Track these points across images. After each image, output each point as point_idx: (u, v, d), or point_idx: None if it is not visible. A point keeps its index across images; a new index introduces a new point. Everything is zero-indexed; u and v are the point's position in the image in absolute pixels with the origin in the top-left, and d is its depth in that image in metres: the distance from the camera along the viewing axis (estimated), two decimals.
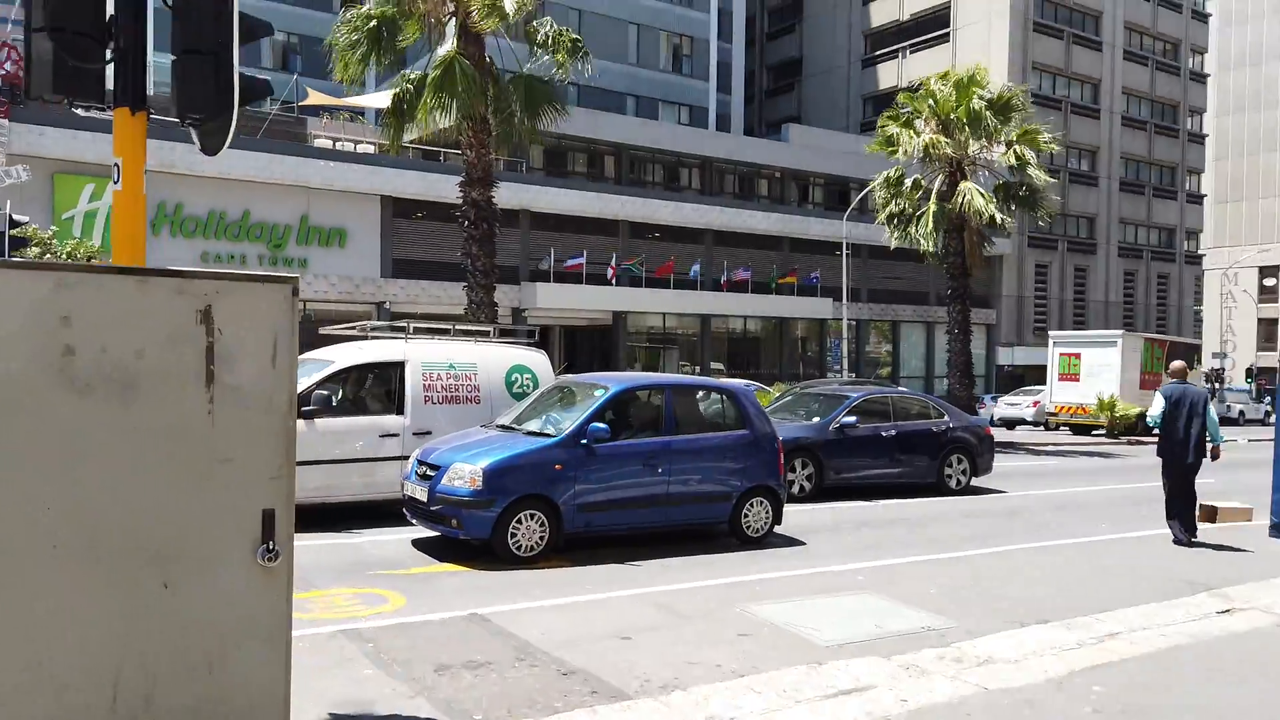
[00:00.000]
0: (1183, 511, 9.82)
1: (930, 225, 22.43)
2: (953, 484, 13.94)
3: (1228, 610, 7.23)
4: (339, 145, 30.73)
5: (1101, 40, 49.08)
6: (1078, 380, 28.08)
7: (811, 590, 7.36)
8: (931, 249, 23.21)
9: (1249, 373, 55.91)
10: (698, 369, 35.82)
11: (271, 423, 3.19)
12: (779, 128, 45.55)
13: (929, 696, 5.10)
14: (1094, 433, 27.89)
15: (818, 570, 8.14)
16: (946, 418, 14.31)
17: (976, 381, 26.01)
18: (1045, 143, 22.80)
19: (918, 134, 22.44)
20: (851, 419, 13.21)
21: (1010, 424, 33.11)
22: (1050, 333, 33.51)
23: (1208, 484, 17.06)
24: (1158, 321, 52.20)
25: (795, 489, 12.53)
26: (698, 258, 34.77)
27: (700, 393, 10.33)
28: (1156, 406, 9.72)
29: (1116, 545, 9.94)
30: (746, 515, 9.33)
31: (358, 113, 33.08)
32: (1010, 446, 23.80)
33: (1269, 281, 61.92)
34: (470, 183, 16.12)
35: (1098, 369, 28.05)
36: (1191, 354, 32.49)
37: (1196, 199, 55.24)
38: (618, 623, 6.32)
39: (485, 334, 12.16)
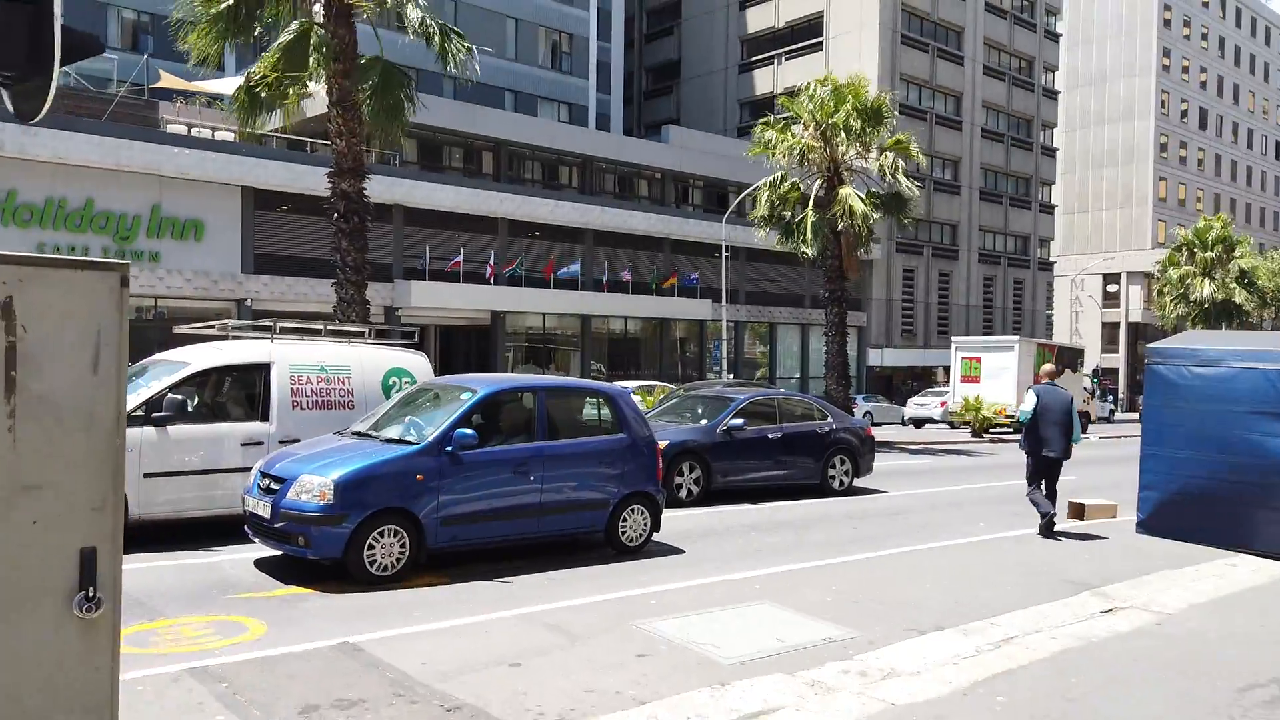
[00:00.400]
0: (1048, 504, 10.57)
1: (809, 231, 22.72)
2: (836, 485, 14.02)
3: (1110, 609, 7.35)
4: (195, 132, 28.82)
5: (963, 55, 51.33)
6: (978, 382, 30.03)
7: (708, 601, 7.06)
8: (811, 253, 23.57)
9: (1094, 373, 59.69)
10: (600, 371, 35.41)
11: (93, 442, 2.60)
12: (658, 129, 45.61)
13: (838, 717, 4.86)
14: (992, 429, 29.83)
15: (713, 580, 7.86)
16: (830, 419, 14.38)
17: (851, 383, 26.59)
18: (914, 151, 23.45)
19: (795, 138, 22.71)
20: (739, 421, 13.08)
21: (919, 423, 34.97)
22: (953, 338, 35.38)
23: (1068, 480, 17.85)
24: (1014, 324, 54.94)
25: (683, 493, 12.33)
26: (578, 257, 34.37)
27: (575, 395, 9.83)
28: (1028, 404, 10.37)
29: (996, 545, 10.09)
30: (624, 523, 8.92)
31: (215, 98, 31.14)
32: (886, 445, 24.41)
33: (1112, 288, 66.21)
34: (340, 173, 15.20)
35: (997, 371, 30.18)
36: (1076, 357, 35.10)
37: (1048, 209, 58.52)
38: (505, 648, 5.85)
39: (360, 334, 11.39)
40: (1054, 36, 58.40)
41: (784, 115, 23.73)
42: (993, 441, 27.86)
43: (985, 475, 18.10)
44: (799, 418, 14.19)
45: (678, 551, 9.34)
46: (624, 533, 8.94)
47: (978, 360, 31.02)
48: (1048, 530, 10.34)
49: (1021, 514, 12.85)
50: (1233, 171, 76.64)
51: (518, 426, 8.77)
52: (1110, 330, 66.15)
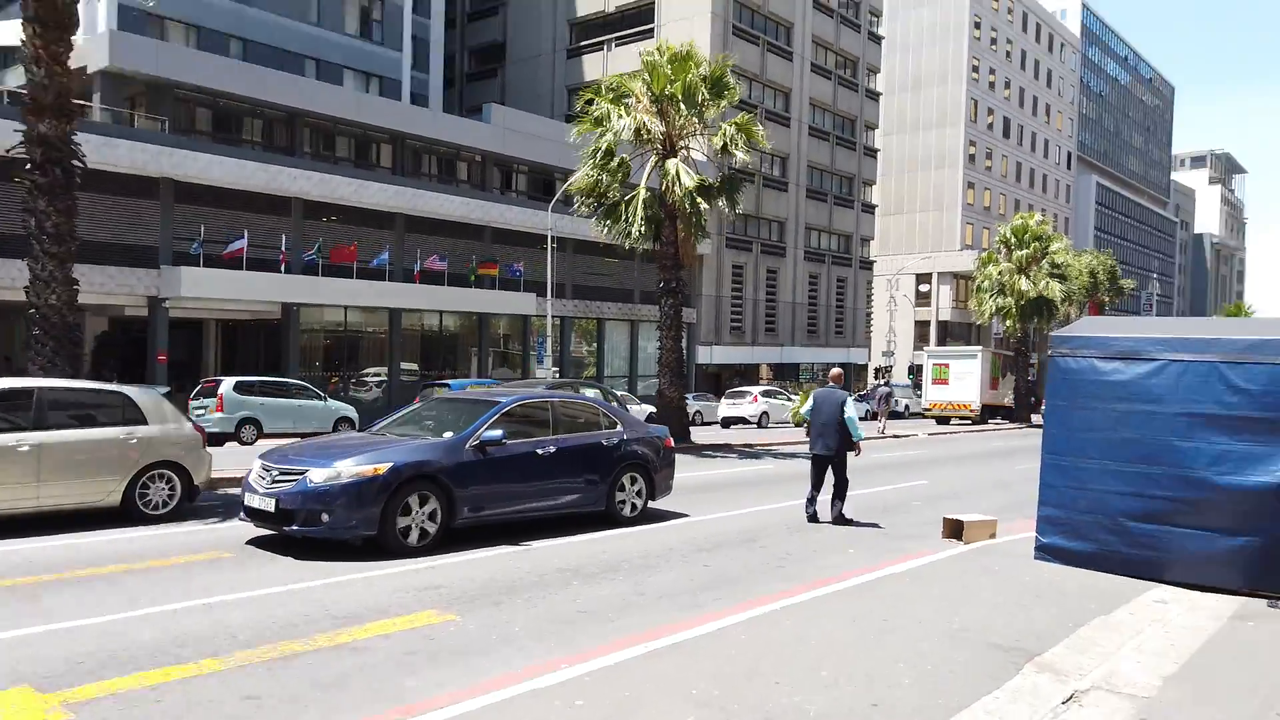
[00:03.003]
0: (834, 498, 11.36)
1: (640, 213, 20.47)
2: (627, 511, 11.02)
3: (1071, 696, 5.29)
4: None
5: (793, 51, 50.98)
6: (948, 384, 37.15)
7: None
8: (637, 235, 21.32)
9: (910, 370, 61.25)
10: (385, 371, 31.87)
11: None
12: (480, 112, 42.44)
13: None
14: (954, 421, 37.36)
15: (511, 691, 5.18)
16: (620, 427, 11.21)
17: (686, 381, 24.67)
18: (758, 133, 21.54)
19: (629, 112, 20.38)
20: (496, 433, 9.68)
21: (728, 423, 35.48)
22: (925, 348, 42.42)
23: (919, 485, 16.42)
24: (836, 322, 55.32)
25: (411, 537, 8.93)
26: (386, 244, 30.83)
27: None
28: (806, 405, 11.46)
29: (885, 588, 7.98)
30: None
31: None
32: (725, 449, 22.53)
33: (924, 288, 68.37)
34: (38, 110, 11.51)
35: (963, 374, 37.03)
36: (1010, 364, 41.78)
37: (870, 209, 59.39)
38: None
39: None
40: (877, 39, 59.33)
41: (616, 89, 21.32)
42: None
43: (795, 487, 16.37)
44: (581, 426, 10.90)
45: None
46: None
47: (946, 365, 37.58)
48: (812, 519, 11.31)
49: (889, 532, 11.01)
50: (1031, 179, 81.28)
51: None
52: (922, 328, 68.30)
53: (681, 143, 21.16)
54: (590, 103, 20.96)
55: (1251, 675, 5.70)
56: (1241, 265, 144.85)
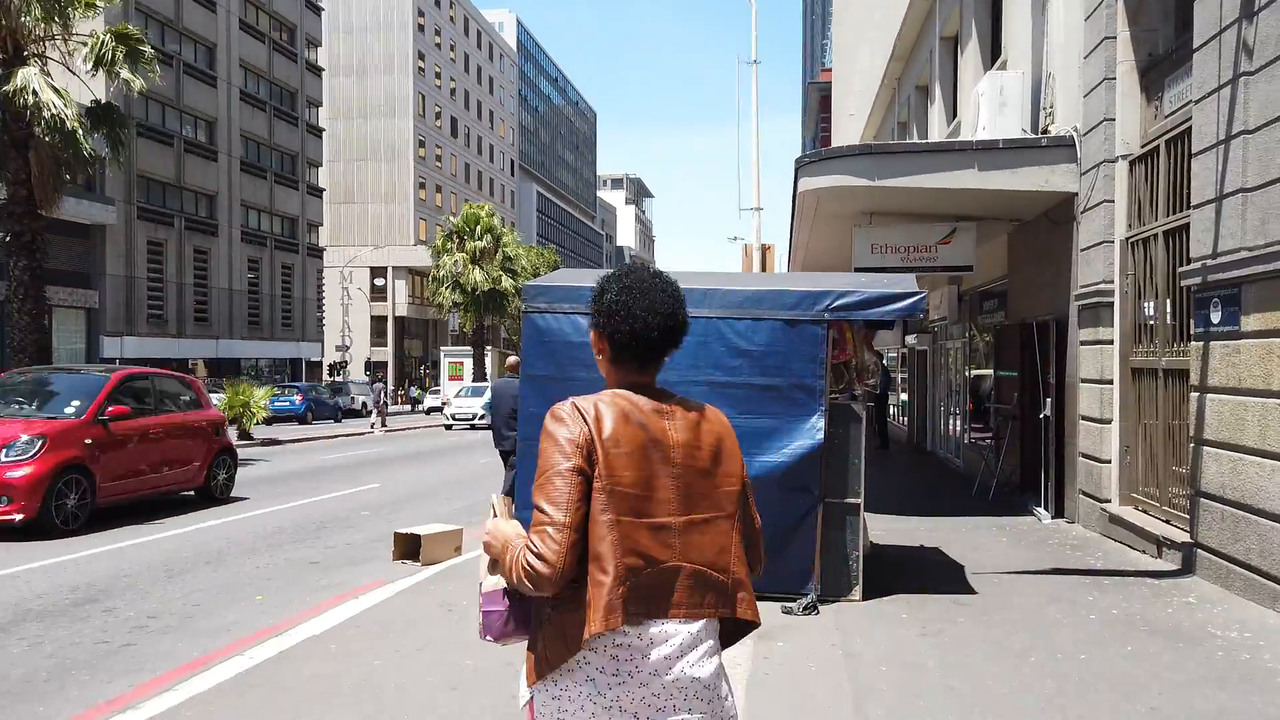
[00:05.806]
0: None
1: None
2: None
3: None
4: None
5: (216, 2, 44.59)
6: (462, 379, 40.36)
7: None
8: None
9: (367, 366, 58.46)
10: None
11: None
12: None
13: None
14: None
15: None
16: None
17: None
18: (147, 57, 16.62)
19: None
20: None
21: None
22: (443, 347, 46.18)
23: (370, 489, 13.54)
24: (284, 312, 50.14)
25: None
26: None
27: None
28: (485, 397, 11.50)
29: (287, 667, 5.00)
30: None
31: None
32: None
33: (379, 281, 65.76)
34: None
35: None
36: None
37: (316, 192, 54.93)
38: None
39: None
40: (315, 9, 55.06)
41: None
42: (265, 444, 22.65)
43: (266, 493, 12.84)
44: None
45: None
46: None
47: (461, 363, 40.83)
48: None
49: (324, 560, 8.07)
50: (479, 181, 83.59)
51: None
52: (379, 323, 65.83)
53: (34, 48, 15.47)
54: None
55: None
56: None
